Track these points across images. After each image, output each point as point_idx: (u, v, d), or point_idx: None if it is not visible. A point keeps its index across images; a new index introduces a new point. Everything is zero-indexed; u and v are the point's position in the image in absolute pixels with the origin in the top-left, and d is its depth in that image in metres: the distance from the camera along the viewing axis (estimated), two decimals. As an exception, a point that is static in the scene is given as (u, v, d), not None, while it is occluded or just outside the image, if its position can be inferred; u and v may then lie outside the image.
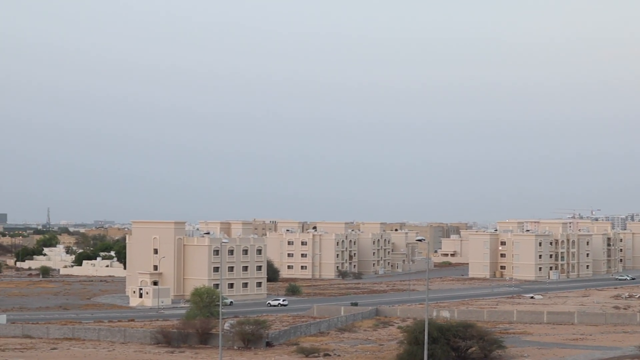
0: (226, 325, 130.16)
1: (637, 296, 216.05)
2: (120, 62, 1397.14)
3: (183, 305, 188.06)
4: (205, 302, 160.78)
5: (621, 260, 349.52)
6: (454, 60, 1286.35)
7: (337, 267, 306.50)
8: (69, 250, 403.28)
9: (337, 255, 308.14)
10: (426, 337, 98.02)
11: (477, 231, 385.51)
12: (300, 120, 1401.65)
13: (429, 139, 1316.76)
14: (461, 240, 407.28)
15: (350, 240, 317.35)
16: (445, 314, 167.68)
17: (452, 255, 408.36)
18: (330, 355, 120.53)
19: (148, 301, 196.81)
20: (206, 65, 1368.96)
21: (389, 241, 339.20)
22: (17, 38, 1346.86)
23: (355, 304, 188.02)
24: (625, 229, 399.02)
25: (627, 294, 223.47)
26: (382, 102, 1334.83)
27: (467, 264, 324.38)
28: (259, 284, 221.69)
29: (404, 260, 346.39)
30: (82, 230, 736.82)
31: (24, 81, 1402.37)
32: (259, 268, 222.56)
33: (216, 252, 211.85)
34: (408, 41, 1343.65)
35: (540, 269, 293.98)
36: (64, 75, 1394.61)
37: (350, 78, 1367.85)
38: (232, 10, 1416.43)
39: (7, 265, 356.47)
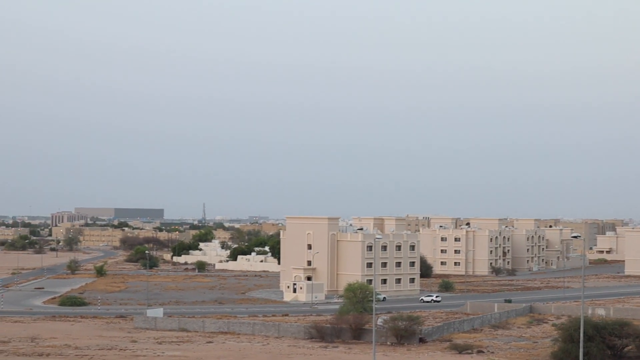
0: (379, 321, 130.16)
1: None
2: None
3: (336, 300, 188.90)
4: (359, 297, 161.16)
5: None
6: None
7: (491, 263, 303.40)
8: (224, 246, 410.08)
9: (491, 251, 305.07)
10: (582, 335, 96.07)
11: (633, 228, 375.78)
12: (447, 111, 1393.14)
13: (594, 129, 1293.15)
14: (617, 237, 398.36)
15: (504, 237, 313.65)
16: (600, 311, 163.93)
17: (608, 252, 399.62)
18: (483, 352, 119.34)
19: (302, 296, 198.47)
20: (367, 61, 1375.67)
21: (543, 237, 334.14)
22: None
23: (509, 301, 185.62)
24: None
25: None
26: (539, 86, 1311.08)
27: (623, 261, 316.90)
28: (412, 280, 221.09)
29: (558, 257, 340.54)
30: (236, 225, 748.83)
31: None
32: (412, 264, 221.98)
33: (369, 247, 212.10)
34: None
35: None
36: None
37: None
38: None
39: (164, 259, 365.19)
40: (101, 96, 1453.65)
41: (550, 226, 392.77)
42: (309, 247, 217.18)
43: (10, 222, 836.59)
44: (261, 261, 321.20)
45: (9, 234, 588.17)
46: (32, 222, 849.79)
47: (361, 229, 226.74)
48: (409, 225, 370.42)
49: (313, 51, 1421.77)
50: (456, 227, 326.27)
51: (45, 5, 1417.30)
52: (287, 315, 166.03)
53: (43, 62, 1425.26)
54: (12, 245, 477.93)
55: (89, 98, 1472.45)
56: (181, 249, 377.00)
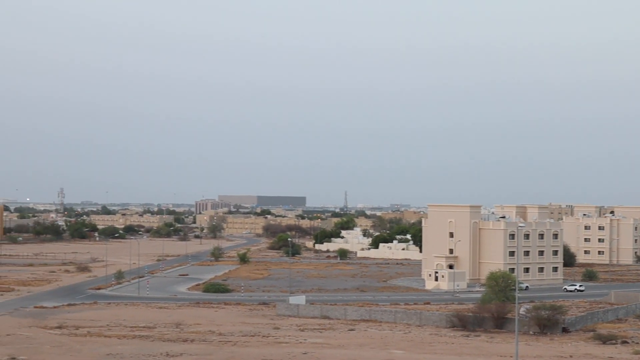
0: (522, 310, 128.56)
1: None
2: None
3: (478, 289, 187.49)
4: (501, 286, 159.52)
5: None
6: None
7: (636, 252, 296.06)
8: (365, 233, 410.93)
9: (636, 240, 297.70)
10: None
11: None
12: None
13: None
14: None
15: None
16: None
17: None
18: (628, 342, 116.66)
19: (444, 284, 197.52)
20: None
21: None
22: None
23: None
24: None
25: None
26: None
27: None
28: (555, 269, 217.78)
29: None
30: (378, 213, 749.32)
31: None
32: (555, 253, 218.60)
33: (512, 236, 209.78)
34: None
35: None
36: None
37: None
38: None
39: (306, 247, 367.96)
40: (253, 94, 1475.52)
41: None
42: (451, 235, 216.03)
43: (156, 209, 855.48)
44: (403, 249, 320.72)
45: (154, 222, 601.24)
46: (177, 210, 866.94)
47: (503, 217, 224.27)
48: (552, 213, 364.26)
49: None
50: (600, 216, 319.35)
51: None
52: (428, 303, 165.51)
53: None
54: (157, 233, 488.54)
55: (238, 97, 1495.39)
56: (323, 236, 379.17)
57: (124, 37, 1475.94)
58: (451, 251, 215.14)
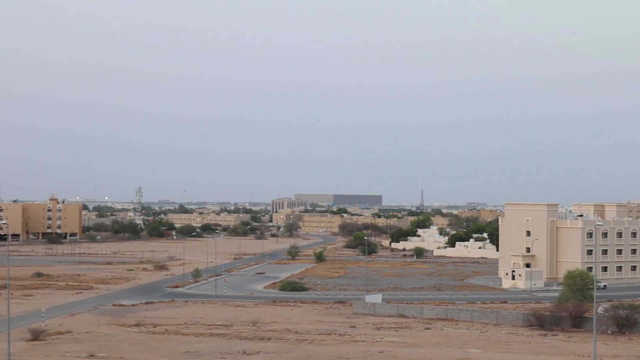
0: (600, 309, 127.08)
1: None
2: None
3: (555, 288, 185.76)
4: (579, 285, 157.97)
5: None
6: None
7: None
8: (442, 232, 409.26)
9: None
10: None
11: None
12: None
13: None
14: None
15: None
16: None
17: None
18: None
19: (520, 283, 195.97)
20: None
21: None
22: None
23: None
24: None
25: None
26: None
27: None
28: (634, 268, 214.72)
29: None
30: (454, 212, 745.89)
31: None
32: (634, 251, 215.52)
33: (589, 234, 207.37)
34: None
35: None
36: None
37: None
38: None
39: (382, 245, 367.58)
40: (321, 92, 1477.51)
41: None
42: (528, 233, 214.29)
43: (232, 208, 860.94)
44: (479, 248, 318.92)
45: (231, 220, 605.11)
46: (253, 209, 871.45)
47: (581, 215, 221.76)
48: (630, 211, 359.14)
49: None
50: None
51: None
52: (505, 302, 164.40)
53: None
54: (234, 231, 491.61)
55: (309, 97, 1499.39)
56: (399, 235, 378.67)
57: (188, 42, 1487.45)
58: (528, 250, 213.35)
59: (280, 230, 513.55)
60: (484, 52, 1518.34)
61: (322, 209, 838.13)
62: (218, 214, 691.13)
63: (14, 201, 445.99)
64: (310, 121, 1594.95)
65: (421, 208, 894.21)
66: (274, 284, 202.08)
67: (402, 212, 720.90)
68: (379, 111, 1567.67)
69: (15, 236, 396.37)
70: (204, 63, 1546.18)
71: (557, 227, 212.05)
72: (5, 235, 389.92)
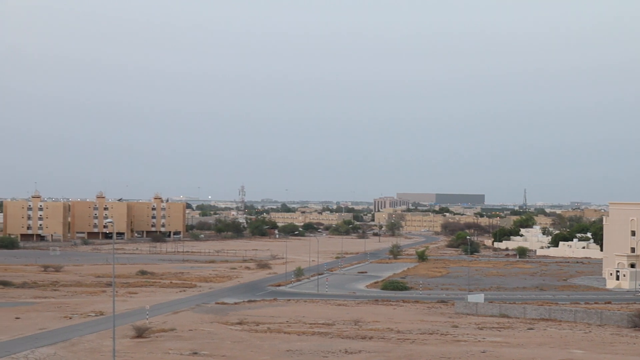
0: None
1: None
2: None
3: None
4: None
5: None
6: None
7: None
8: (545, 231, 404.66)
9: None
10: None
11: None
12: None
13: None
14: None
15: None
16: None
17: None
18: None
19: (625, 284, 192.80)
20: None
21: None
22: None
23: None
24: None
25: None
26: None
27: None
28: None
29: None
30: (558, 211, 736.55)
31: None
32: None
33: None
34: None
35: None
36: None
37: None
38: None
39: (484, 245, 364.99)
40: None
41: None
42: (633, 233, 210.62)
43: (335, 207, 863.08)
44: (583, 247, 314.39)
45: (334, 219, 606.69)
46: (356, 208, 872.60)
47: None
48: None
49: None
50: None
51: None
52: (609, 303, 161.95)
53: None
54: (336, 230, 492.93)
55: (412, 94, 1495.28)
56: (502, 234, 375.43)
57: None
58: (633, 250, 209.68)
59: (382, 229, 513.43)
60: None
61: (425, 208, 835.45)
62: (320, 212, 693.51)
63: (119, 200, 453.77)
64: (412, 119, 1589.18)
65: (524, 207, 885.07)
66: (375, 283, 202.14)
67: (505, 212, 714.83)
68: (469, 105, 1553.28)
69: (120, 234, 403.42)
70: (296, 64, 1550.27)
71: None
72: (110, 233, 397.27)
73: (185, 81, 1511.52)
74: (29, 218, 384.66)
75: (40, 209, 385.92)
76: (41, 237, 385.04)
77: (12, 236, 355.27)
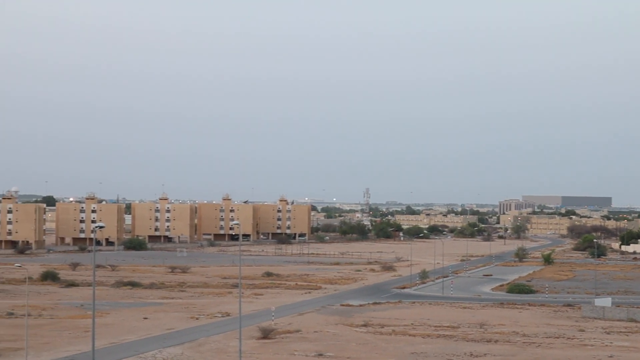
0: None
1: None
2: None
3: None
4: None
5: None
6: None
7: None
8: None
9: None
10: None
11: None
12: None
13: None
14: None
15: None
16: None
17: None
18: None
19: None
20: None
21: None
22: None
23: None
24: None
25: None
26: None
27: None
28: None
29: None
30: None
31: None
32: None
33: None
34: None
35: None
36: None
37: None
38: None
39: (611, 248, 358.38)
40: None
41: None
42: None
43: (459, 209, 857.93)
44: None
45: (458, 222, 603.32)
46: (480, 210, 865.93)
47: None
48: None
49: None
50: None
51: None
52: None
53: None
54: (461, 233, 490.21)
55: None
56: (630, 237, 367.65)
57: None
58: None
59: (508, 232, 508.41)
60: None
61: (550, 210, 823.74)
62: (445, 215, 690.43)
63: (245, 202, 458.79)
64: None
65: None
66: (501, 286, 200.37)
67: (632, 214, 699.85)
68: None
69: (246, 236, 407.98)
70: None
71: None
72: (237, 235, 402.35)
73: (318, 89, 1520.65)
74: (156, 220, 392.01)
75: (168, 211, 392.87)
76: (168, 239, 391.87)
77: (141, 238, 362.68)
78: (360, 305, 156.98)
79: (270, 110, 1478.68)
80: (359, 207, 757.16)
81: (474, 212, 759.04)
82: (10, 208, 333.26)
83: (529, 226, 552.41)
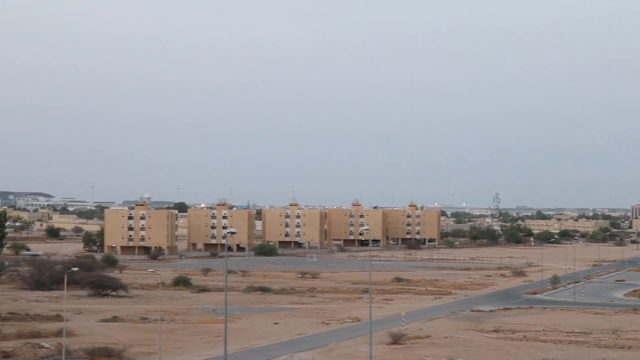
0: None
1: None
2: None
3: None
4: None
5: None
6: None
7: None
8: None
9: None
10: None
11: None
12: None
13: None
14: None
15: None
16: None
17: None
18: None
19: None
20: None
21: None
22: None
23: None
24: None
25: None
26: None
27: None
28: None
29: None
30: None
31: None
32: None
33: None
34: None
35: None
36: None
37: None
38: None
39: None
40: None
41: None
42: None
43: (591, 214, 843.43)
44: None
45: (590, 226, 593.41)
46: (612, 214, 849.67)
47: None
48: None
49: None
50: None
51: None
52: None
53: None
54: (592, 237, 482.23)
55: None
56: None
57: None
58: None
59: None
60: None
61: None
62: (576, 219, 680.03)
63: (374, 207, 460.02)
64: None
65: None
66: (634, 291, 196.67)
67: None
68: None
69: (375, 242, 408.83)
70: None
71: None
72: (366, 240, 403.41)
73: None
74: (286, 226, 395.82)
75: (298, 216, 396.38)
76: (298, 245, 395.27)
77: (271, 243, 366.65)
78: (491, 311, 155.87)
79: (393, 115, 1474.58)
80: (489, 212, 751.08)
81: (605, 217, 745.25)
82: (143, 214, 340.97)
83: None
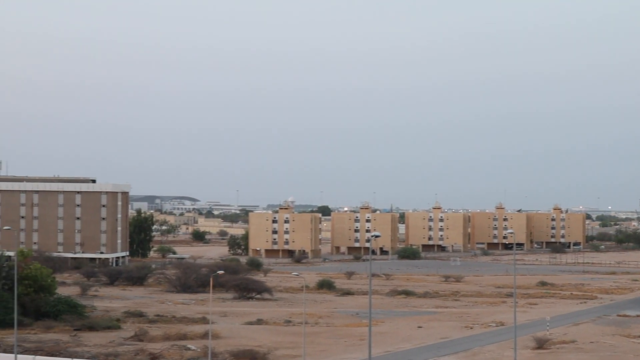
0: None
1: None
2: None
3: None
4: None
5: None
6: None
7: None
8: None
9: None
10: None
11: None
12: None
13: None
14: None
15: None
16: None
17: None
18: None
19: None
20: None
21: None
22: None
23: None
24: None
25: None
26: None
27: None
28: None
29: None
30: None
31: None
32: None
33: None
34: None
35: None
36: None
37: None
38: None
39: None
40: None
41: None
42: None
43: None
44: None
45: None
46: None
47: None
48: None
49: None
50: None
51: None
52: None
53: None
54: None
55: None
56: None
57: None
58: None
59: None
60: None
61: None
62: None
63: (518, 211, 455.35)
64: None
65: None
66: None
67: None
68: None
69: (519, 245, 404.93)
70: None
71: None
72: (510, 244, 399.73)
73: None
74: (429, 229, 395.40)
75: (441, 220, 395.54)
76: (442, 248, 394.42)
77: (414, 247, 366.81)
78: (638, 316, 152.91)
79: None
80: (635, 216, 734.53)
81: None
82: (287, 218, 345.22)
83: None
